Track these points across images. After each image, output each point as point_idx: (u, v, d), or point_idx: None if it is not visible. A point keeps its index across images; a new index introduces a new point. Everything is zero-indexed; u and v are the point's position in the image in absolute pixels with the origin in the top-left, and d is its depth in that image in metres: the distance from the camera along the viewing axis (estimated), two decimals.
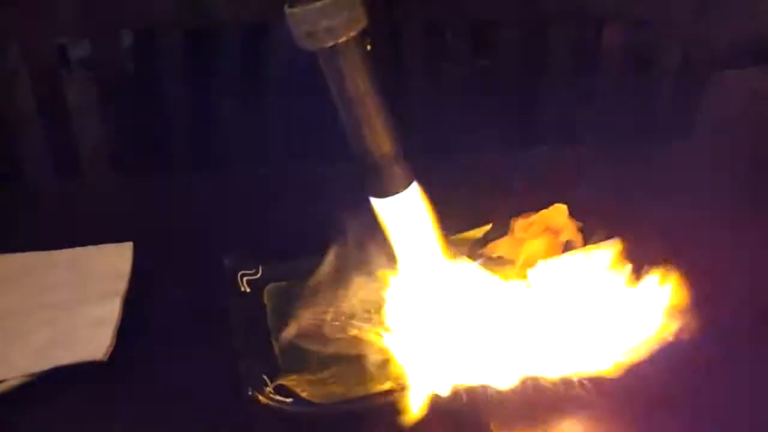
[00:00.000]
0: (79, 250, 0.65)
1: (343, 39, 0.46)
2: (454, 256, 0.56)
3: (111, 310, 0.57)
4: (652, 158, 0.91)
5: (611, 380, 0.52)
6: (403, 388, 0.51)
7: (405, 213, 0.52)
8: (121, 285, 0.60)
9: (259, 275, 0.63)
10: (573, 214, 0.66)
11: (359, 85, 0.48)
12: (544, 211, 0.65)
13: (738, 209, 0.78)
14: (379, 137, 0.50)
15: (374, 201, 0.52)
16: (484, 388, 0.51)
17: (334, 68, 0.48)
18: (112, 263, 0.63)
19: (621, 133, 1.20)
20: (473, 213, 0.70)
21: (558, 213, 0.65)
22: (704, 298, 0.54)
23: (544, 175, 0.82)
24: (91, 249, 0.65)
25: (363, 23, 0.47)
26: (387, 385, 0.52)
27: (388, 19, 1.04)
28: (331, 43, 0.46)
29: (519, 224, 0.65)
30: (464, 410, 0.52)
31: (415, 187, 0.52)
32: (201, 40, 1.07)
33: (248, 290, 0.61)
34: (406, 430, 0.50)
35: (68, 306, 0.58)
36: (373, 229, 0.54)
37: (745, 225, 0.74)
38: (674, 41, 1.25)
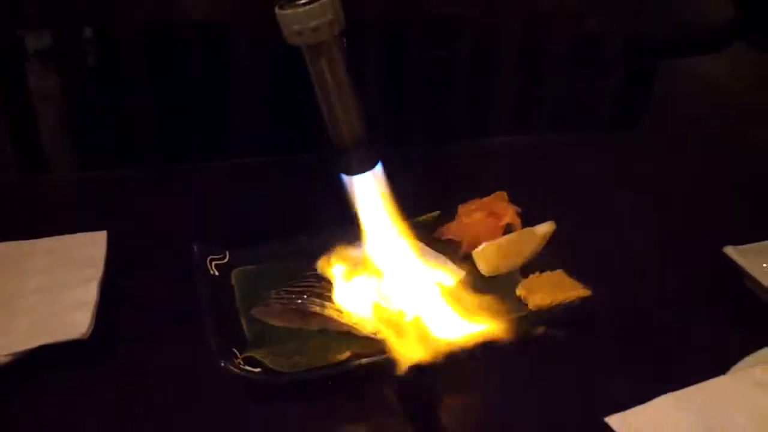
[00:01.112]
0: (55, 239, 0.69)
1: (326, 37, 0.53)
2: (406, 231, 0.62)
3: (89, 294, 0.62)
4: (600, 147, 0.98)
5: None
6: (359, 358, 0.58)
7: (371, 189, 0.59)
8: (97, 270, 0.64)
9: (226, 260, 0.68)
10: (513, 199, 0.73)
11: (338, 78, 0.55)
12: (486, 197, 0.72)
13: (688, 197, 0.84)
14: (353, 123, 0.57)
15: (345, 178, 0.58)
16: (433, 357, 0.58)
17: (317, 63, 0.54)
18: (87, 251, 0.67)
19: (569, 123, 1.27)
20: (425, 200, 0.76)
21: (499, 199, 0.72)
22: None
23: (488, 164, 0.88)
24: (67, 238, 0.69)
25: (343, 24, 0.54)
26: (345, 355, 0.58)
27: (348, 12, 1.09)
28: (316, 41, 0.53)
29: (464, 209, 0.72)
30: (417, 378, 0.59)
31: (380, 167, 0.59)
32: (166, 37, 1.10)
33: (217, 274, 0.67)
34: (364, 395, 0.57)
35: (49, 290, 0.62)
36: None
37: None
38: (619, 32, 1.29)
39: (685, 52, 1.89)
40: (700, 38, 1.79)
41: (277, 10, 0.53)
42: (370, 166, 0.58)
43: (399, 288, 0.61)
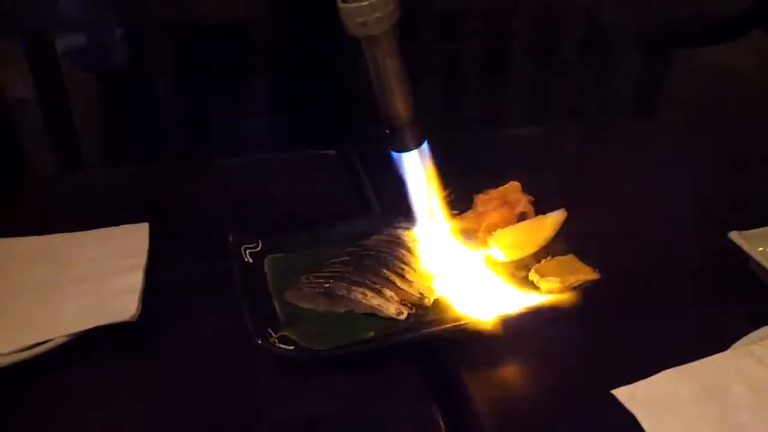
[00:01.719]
0: (102, 230, 0.74)
1: (387, 27, 0.59)
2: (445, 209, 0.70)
3: (135, 280, 0.67)
4: (611, 137, 1.01)
5: None
6: (383, 337, 0.63)
7: (418, 165, 0.66)
8: (142, 259, 0.70)
9: (259, 248, 0.73)
10: (526, 189, 0.77)
11: (393, 64, 0.61)
12: (501, 187, 0.76)
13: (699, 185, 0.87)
14: (404, 105, 0.63)
15: (395, 155, 0.66)
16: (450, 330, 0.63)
17: (376, 51, 0.60)
18: (132, 241, 0.72)
19: (584, 112, 1.29)
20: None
21: (513, 189, 0.76)
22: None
23: (503, 155, 0.92)
24: (113, 229, 0.74)
25: (399, 15, 0.60)
26: (370, 335, 0.63)
27: None
28: (378, 31, 0.59)
29: (480, 199, 0.76)
30: (434, 354, 0.64)
31: (426, 146, 0.65)
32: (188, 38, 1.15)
33: (251, 261, 0.72)
34: (388, 372, 0.61)
35: (98, 278, 0.68)
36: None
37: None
38: (633, 22, 1.31)
39: (702, 42, 1.89)
40: (716, 27, 1.80)
41: (340, 4, 0.58)
42: (421, 143, 0.65)
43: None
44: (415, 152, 0.65)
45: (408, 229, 0.72)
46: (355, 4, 0.58)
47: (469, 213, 0.77)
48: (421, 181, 0.67)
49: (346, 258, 0.70)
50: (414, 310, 0.66)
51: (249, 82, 1.17)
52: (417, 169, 0.66)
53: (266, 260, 0.72)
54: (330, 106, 1.36)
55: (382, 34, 0.59)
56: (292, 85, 1.17)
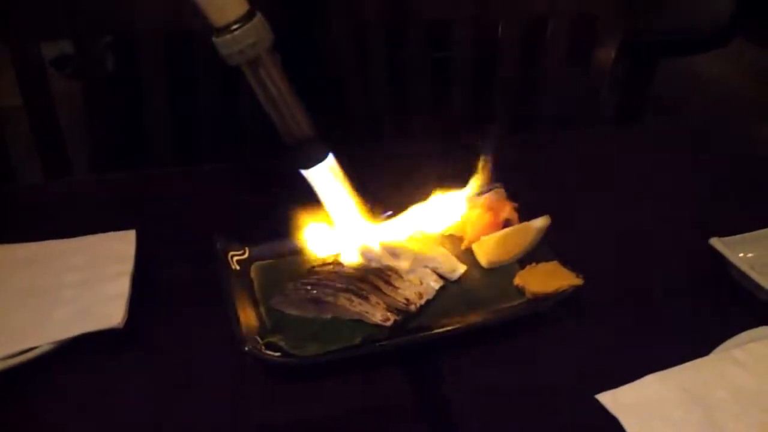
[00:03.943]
0: (89, 237, 0.74)
1: (262, 51, 0.62)
2: (369, 213, 0.71)
3: (122, 287, 0.67)
4: (595, 144, 1.02)
5: None
6: (369, 343, 0.63)
7: (327, 179, 0.67)
8: (129, 266, 0.70)
9: (246, 255, 0.73)
10: (510, 195, 0.78)
11: (278, 85, 0.64)
12: (486, 194, 0.77)
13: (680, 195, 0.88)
14: (299, 123, 0.66)
15: (303, 172, 0.67)
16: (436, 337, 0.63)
17: (258, 74, 0.63)
18: (118, 248, 0.72)
19: (569, 119, 1.30)
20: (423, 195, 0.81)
21: (498, 195, 0.77)
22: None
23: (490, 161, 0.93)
24: (99, 236, 0.74)
25: (272, 37, 0.63)
26: (356, 340, 0.64)
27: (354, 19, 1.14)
28: (254, 55, 0.62)
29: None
30: (420, 360, 0.64)
31: (331, 158, 0.67)
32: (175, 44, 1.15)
33: (237, 268, 0.72)
34: (375, 377, 0.62)
35: (85, 285, 0.68)
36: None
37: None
38: (618, 30, 1.32)
39: (685, 50, 1.92)
40: (699, 36, 1.82)
41: (215, 40, 0.62)
42: (322, 159, 0.66)
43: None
44: (322, 166, 0.67)
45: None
46: (229, 35, 0.61)
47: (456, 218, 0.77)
48: (336, 194, 0.68)
49: (333, 265, 0.71)
50: (400, 317, 0.66)
51: (237, 89, 1.17)
52: (328, 183, 0.67)
53: (253, 267, 0.73)
54: (319, 113, 1.37)
55: (258, 58, 0.62)
56: None
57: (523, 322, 0.67)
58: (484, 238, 0.73)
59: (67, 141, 1.17)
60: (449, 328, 0.65)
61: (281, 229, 0.76)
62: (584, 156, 0.97)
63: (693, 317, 0.70)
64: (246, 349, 0.61)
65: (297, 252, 0.74)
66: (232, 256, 0.73)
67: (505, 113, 1.24)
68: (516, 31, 1.19)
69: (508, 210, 0.75)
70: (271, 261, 0.74)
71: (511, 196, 0.77)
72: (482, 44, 1.21)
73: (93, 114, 1.16)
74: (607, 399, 0.60)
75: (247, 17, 0.61)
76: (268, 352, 0.61)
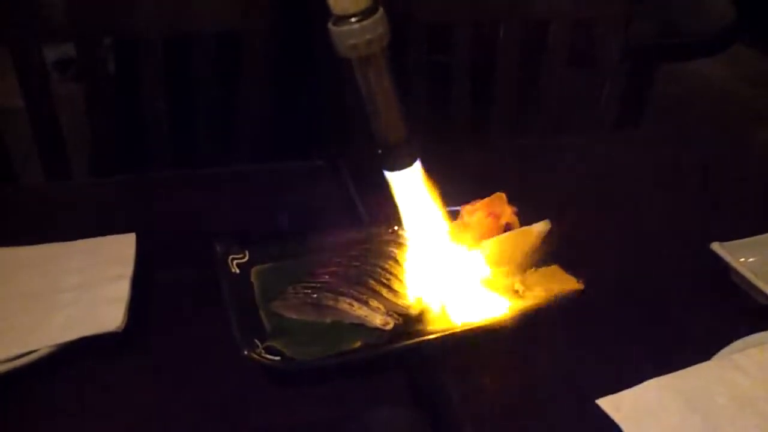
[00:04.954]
0: (89, 240, 0.74)
1: (377, 50, 0.59)
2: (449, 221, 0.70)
3: (122, 290, 0.67)
4: (596, 149, 1.02)
5: None
6: (370, 347, 0.63)
7: (412, 184, 0.66)
8: (128, 269, 0.70)
9: (246, 258, 0.73)
10: (511, 200, 0.77)
11: (384, 85, 0.62)
12: (487, 198, 0.77)
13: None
14: (396, 124, 0.63)
15: (388, 174, 0.65)
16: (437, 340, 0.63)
17: (367, 72, 0.61)
18: (118, 251, 0.72)
19: (569, 124, 1.31)
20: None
21: (498, 200, 0.77)
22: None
23: (489, 167, 0.93)
24: (99, 240, 0.74)
25: (389, 36, 0.60)
26: (357, 344, 0.63)
27: None
28: (368, 53, 0.59)
29: (466, 210, 0.77)
30: (420, 363, 0.64)
31: (418, 164, 0.65)
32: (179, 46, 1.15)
33: (237, 271, 0.72)
34: (375, 381, 0.62)
35: (85, 288, 0.68)
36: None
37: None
38: (616, 36, 1.32)
39: (687, 55, 1.92)
40: (700, 41, 1.83)
41: (331, 27, 0.59)
42: (410, 164, 0.65)
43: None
44: (408, 170, 0.65)
45: (396, 240, 0.73)
46: (346, 27, 0.58)
47: (456, 223, 0.77)
48: (416, 199, 0.67)
49: (333, 268, 0.71)
50: (400, 321, 0.66)
51: (239, 93, 1.17)
52: (411, 188, 0.66)
53: (253, 271, 0.72)
54: (320, 117, 1.37)
55: (372, 56, 0.59)
56: (282, 96, 1.17)
57: (523, 326, 0.66)
58: (484, 242, 0.73)
59: (68, 143, 1.18)
60: (449, 332, 0.65)
61: (281, 233, 0.76)
62: (585, 160, 0.97)
63: (694, 322, 0.70)
64: (246, 352, 0.61)
65: (298, 255, 0.74)
66: (232, 260, 0.72)
67: (506, 117, 1.24)
68: (517, 35, 1.19)
69: (508, 214, 0.75)
70: (271, 264, 0.73)
71: (512, 200, 0.77)
72: (482, 48, 1.22)
73: (94, 116, 1.17)
74: (608, 404, 0.59)
75: (368, 12, 0.58)
76: (268, 356, 0.61)
